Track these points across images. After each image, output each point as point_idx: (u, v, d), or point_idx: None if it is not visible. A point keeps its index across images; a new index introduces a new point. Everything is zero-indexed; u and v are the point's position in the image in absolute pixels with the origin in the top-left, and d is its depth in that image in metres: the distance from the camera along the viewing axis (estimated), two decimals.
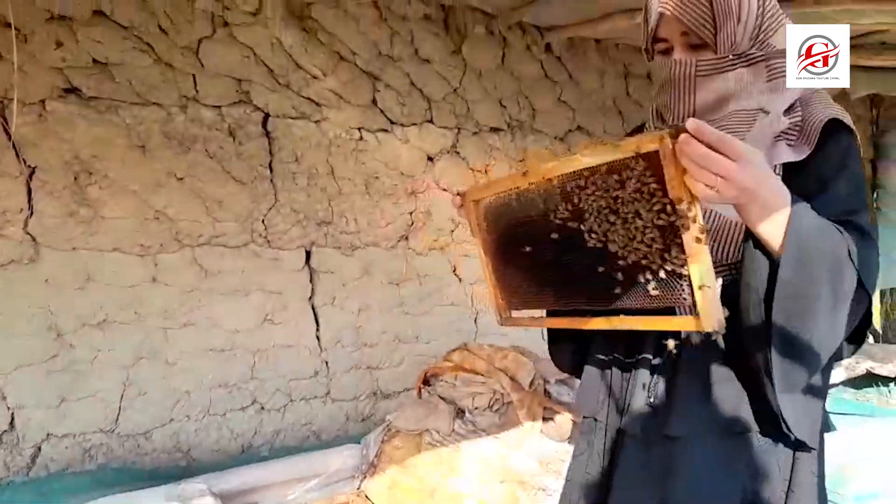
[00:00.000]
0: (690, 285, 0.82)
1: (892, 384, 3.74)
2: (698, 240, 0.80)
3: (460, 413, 2.71)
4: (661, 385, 0.99)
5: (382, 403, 3.42)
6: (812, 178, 0.90)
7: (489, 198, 1.07)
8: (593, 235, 0.91)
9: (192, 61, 2.69)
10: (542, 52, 3.75)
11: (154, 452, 2.77)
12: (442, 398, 2.78)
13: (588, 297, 0.97)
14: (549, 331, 1.21)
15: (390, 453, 2.61)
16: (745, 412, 0.92)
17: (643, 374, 1.01)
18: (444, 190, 3.42)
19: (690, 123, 0.74)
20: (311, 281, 3.13)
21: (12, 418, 2.48)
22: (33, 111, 2.39)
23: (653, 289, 0.86)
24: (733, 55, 0.92)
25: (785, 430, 0.88)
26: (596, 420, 1.09)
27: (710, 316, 0.82)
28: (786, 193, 0.81)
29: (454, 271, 3.63)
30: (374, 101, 3.21)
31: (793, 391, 0.86)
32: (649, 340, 1.01)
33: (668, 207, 0.81)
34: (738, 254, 0.91)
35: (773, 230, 0.81)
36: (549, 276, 1.03)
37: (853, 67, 3.37)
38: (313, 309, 3.15)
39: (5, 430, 2.47)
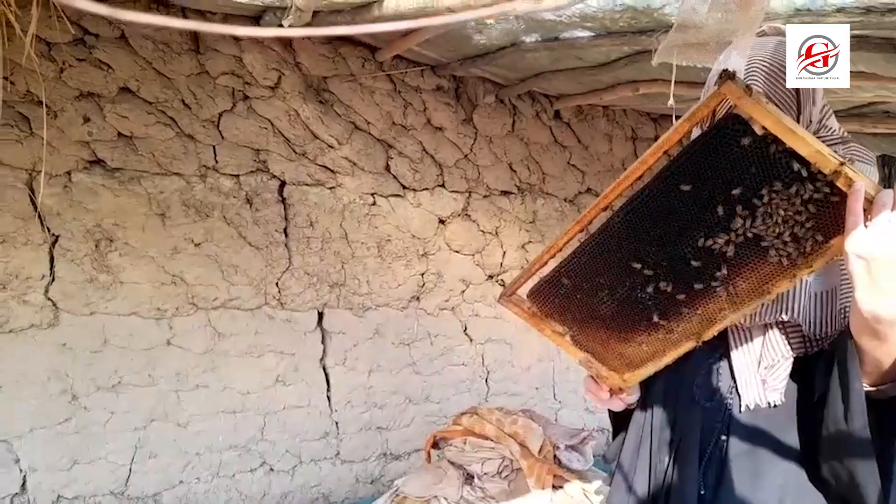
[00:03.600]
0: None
1: None
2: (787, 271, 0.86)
3: (469, 478, 2.69)
4: (711, 476, 0.96)
5: (392, 465, 3.41)
6: None
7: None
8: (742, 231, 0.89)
9: (212, 133, 2.78)
10: (550, 119, 3.84)
11: None
12: (451, 463, 2.77)
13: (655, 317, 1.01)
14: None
15: None
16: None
17: (691, 464, 0.98)
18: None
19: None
20: (322, 342, 3.16)
21: (24, 481, 2.50)
22: (59, 182, 2.49)
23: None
24: None
25: None
26: None
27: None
28: None
29: (465, 331, 3.65)
30: (388, 168, 3.29)
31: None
32: (694, 429, 1.00)
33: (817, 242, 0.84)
34: (821, 330, 0.92)
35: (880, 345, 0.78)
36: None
37: (861, 134, 3.43)
38: (324, 370, 3.17)
39: (17, 493, 2.49)
